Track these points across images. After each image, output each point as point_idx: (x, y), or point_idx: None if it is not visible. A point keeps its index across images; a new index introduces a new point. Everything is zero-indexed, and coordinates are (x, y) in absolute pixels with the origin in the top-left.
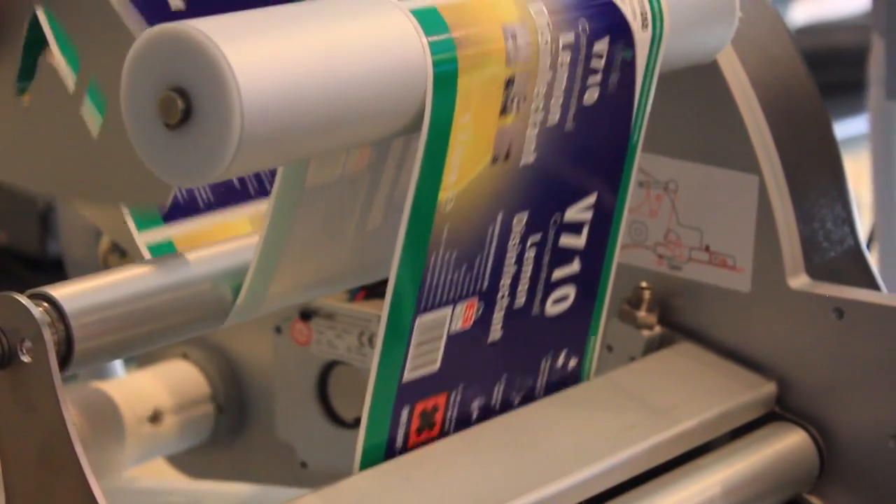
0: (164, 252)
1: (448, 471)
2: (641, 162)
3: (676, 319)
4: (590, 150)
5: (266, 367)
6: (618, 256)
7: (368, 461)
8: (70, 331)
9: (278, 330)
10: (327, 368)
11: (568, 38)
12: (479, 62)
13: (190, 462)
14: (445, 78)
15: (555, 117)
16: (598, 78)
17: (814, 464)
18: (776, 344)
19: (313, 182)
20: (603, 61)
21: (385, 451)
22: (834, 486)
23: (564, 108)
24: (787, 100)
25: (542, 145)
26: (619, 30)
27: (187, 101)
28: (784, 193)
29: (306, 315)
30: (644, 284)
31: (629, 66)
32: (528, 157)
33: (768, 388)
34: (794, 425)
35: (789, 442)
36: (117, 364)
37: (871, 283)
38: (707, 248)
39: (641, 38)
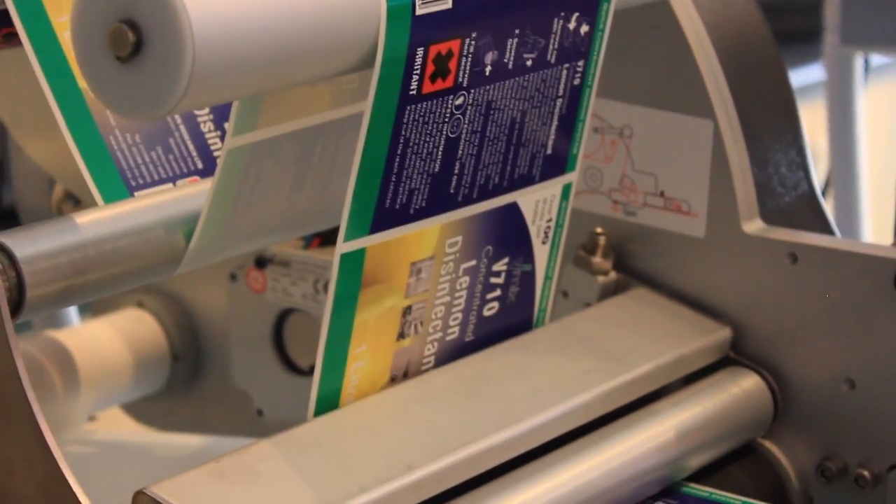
0: None
1: (403, 417)
2: (596, 108)
3: (632, 265)
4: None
5: (221, 316)
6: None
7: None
8: (21, 277)
9: (233, 277)
10: (283, 316)
11: (470, 264)
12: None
13: (146, 411)
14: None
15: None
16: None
17: (768, 408)
18: (731, 289)
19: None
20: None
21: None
22: (788, 430)
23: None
24: (742, 45)
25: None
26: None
27: (138, 34)
28: (738, 138)
29: (261, 262)
30: (599, 230)
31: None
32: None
33: (723, 334)
34: (748, 370)
35: (744, 386)
36: (72, 313)
37: (826, 228)
38: (662, 194)
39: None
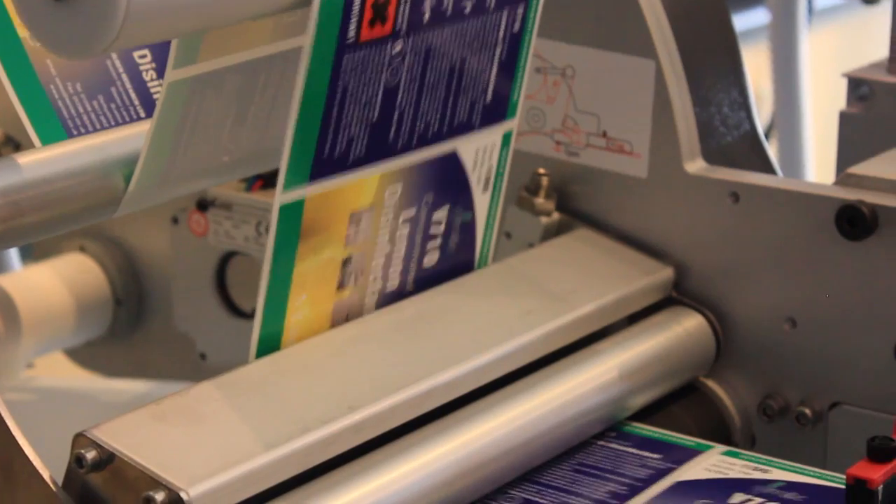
0: None
1: (345, 358)
2: (538, 47)
3: (574, 205)
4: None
5: (164, 259)
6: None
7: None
8: None
9: (175, 221)
10: (225, 259)
11: (410, 213)
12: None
13: (89, 356)
14: None
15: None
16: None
17: (710, 347)
18: (673, 229)
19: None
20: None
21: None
22: (730, 369)
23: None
24: None
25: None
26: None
27: None
28: (680, 78)
29: (203, 205)
30: (542, 171)
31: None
32: None
33: (665, 273)
34: (690, 310)
35: (686, 326)
36: (14, 259)
37: (768, 168)
38: (604, 134)
39: None
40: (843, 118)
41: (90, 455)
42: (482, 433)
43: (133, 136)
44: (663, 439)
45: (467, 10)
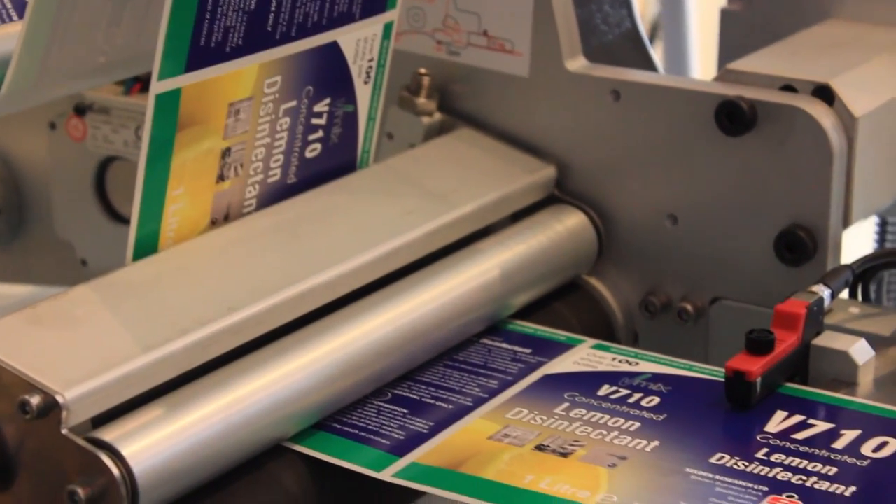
0: None
1: (224, 260)
2: None
3: (456, 105)
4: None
5: (42, 166)
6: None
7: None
8: None
9: (52, 126)
10: (104, 164)
11: (290, 104)
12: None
13: None
14: None
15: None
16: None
17: (592, 245)
18: (555, 127)
19: None
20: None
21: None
22: (612, 266)
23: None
24: None
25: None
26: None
27: None
28: None
29: (81, 110)
30: (423, 71)
31: (351, 117)
32: None
33: (547, 172)
34: (573, 208)
35: (568, 224)
36: None
37: (649, 65)
38: (485, 33)
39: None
40: (725, 16)
41: None
42: (362, 333)
43: (5, 38)
44: (545, 336)
45: None
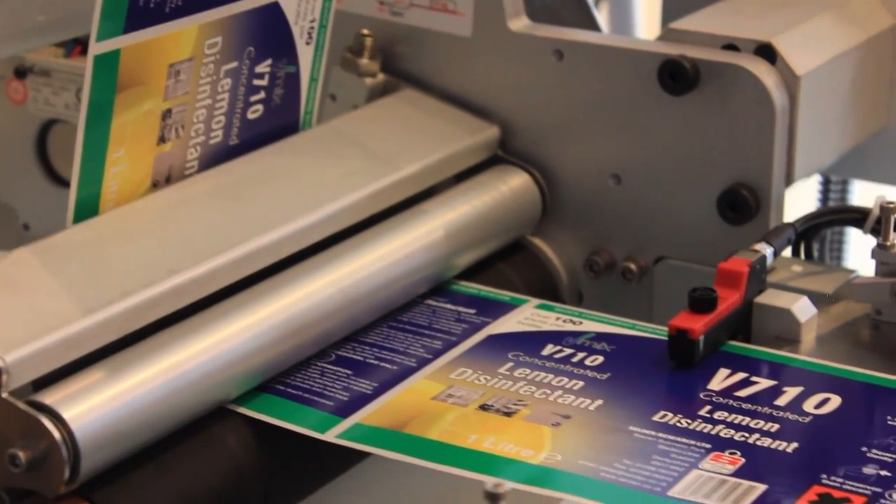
0: None
1: (165, 222)
2: None
3: (399, 66)
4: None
5: None
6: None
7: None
8: None
9: None
10: (46, 127)
11: (231, 65)
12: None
13: None
14: None
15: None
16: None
17: (536, 206)
18: (498, 88)
19: None
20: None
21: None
22: (556, 226)
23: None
24: None
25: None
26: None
27: None
28: None
29: (21, 72)
30: (366, 32)
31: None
32: None
33: (491, 132)
34: (516, 168)
35: (512, 185)
36: None
37: (592, 25)
38: None
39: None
40: None
41: None
42: (305, 295)
43: None
44: (490, 297)
45: None
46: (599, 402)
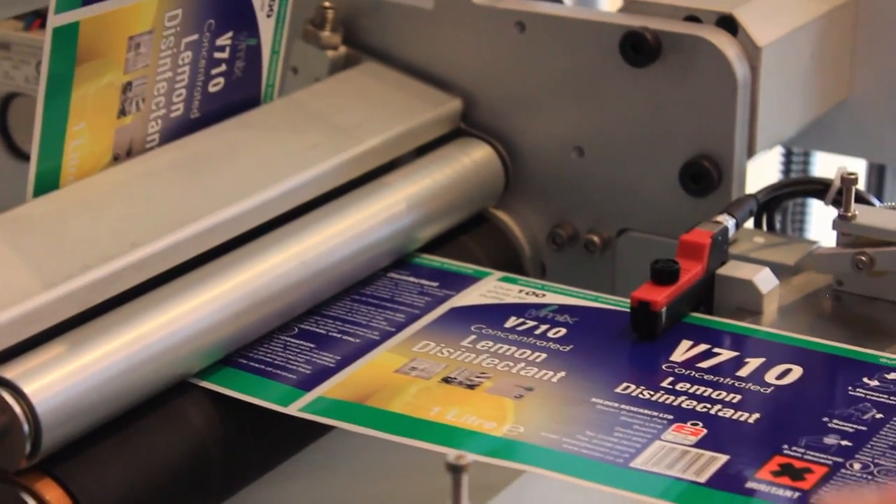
0: None
1: (127, 196)
2: None
3: (361, 39)
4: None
5: None
6: None
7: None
8: None
9: None
10: (6, 101)
11: (192, 38)
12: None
13: None
14: None
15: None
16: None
17: (499, 178)
18: (461, 60)
19: None
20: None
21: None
22: (519, 199)
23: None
24: None
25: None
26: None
27: None
28: None
29: None
30: (327, 4)
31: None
32: None
33: (453, 105)
34: (479, 141)
35: (475, 157)
36: None
37: None
38: None
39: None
40: None
41: None
42: (268, 268)
43: None
44: (452, 270)
45: None
46: (562, 374)
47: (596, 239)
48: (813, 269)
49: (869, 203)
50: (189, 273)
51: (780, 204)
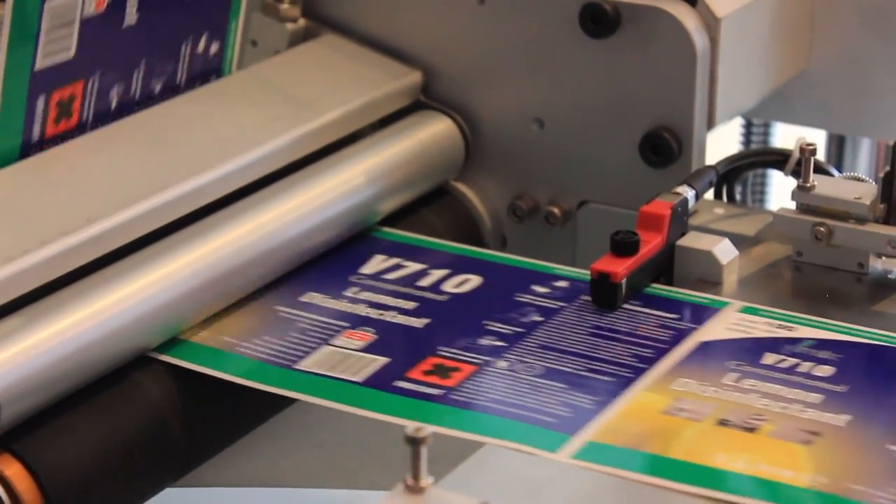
0: None
1: (87, 168)
2: None
3: (321, 11)
4: None
5: None
6: None
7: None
8: None
9: None
10: None
11: None
12: None
13: None
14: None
15: None
16: None
17: (459, 150)
18: (420, 33)
19: None
20: None
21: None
22: (479, 172)
23: None
24: None
25: None
26: None
27: None
28: None
29: None
30: None
31: None
32: None
33: (413, 77)
34: (439, 113)
35: (435, 129)
36: None
37: None
38: None
39: None
40: None
41: None
42: (227, 242)
43: None
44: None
45: (157, 90)
46: (847, 417)
47: (556, 211)
48: (773, 233)
49: (828, 174)
50: (147, 247)
51: (740, 175)
